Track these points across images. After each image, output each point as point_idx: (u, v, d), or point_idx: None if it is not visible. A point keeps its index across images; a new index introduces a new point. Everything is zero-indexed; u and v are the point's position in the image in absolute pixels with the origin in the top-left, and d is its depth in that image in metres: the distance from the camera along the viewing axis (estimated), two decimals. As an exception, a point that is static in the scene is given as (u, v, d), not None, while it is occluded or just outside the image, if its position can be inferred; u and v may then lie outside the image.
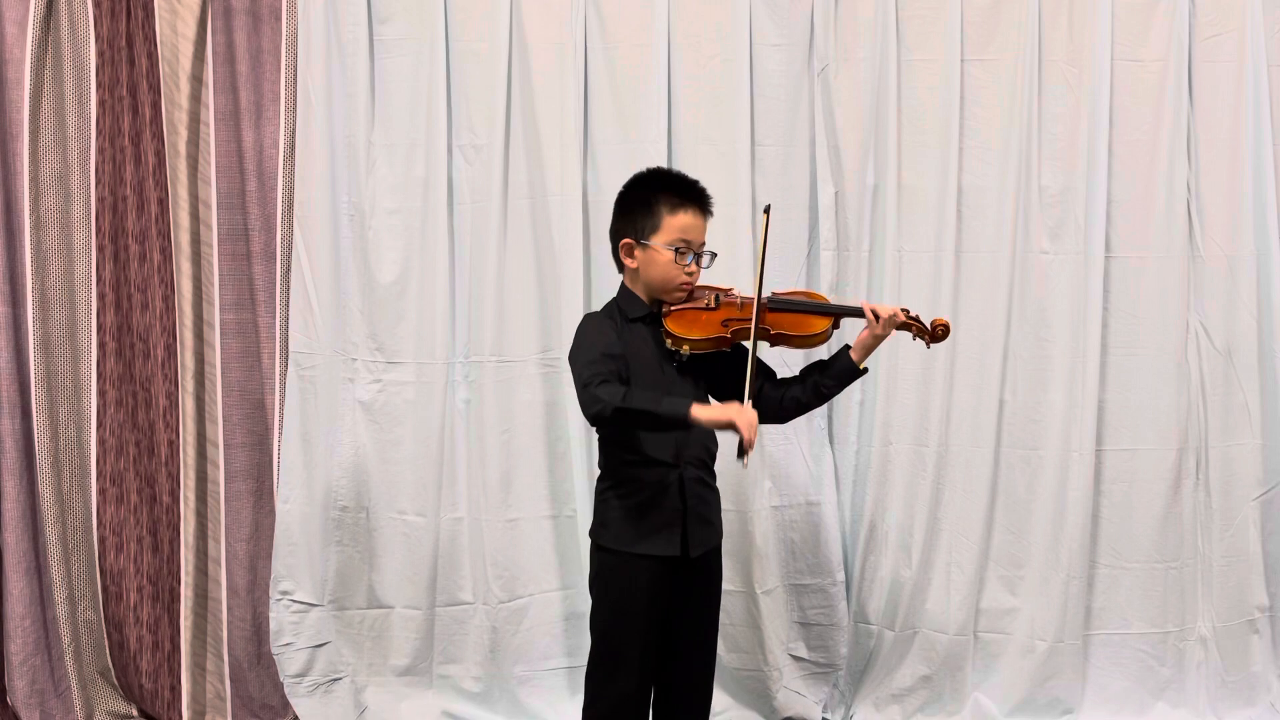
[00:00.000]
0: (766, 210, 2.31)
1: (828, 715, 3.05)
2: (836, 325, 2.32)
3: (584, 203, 2.94)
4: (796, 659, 3.03)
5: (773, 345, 2.30)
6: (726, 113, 2.91)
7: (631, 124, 2.93)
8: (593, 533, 2.30)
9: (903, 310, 2.27)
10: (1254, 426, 2.99)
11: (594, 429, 2.30)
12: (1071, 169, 2.94)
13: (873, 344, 2.29)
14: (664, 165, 2.68)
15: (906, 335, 2.32)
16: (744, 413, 2.04)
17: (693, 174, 2.29)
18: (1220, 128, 2.94)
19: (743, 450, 2.05)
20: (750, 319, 2.19)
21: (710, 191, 2.27)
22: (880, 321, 2.26)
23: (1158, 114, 2.92)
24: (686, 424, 2.05)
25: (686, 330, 2.21)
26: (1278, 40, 2.94)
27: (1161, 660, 3.03)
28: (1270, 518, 3.02)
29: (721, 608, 2.39)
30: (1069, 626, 2.97)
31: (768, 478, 2.98)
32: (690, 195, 2.25)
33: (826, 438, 3.02)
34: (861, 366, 2.31)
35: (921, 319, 2.30)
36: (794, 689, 3.02)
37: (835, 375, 2.32)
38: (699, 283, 2.28)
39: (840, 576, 3.02)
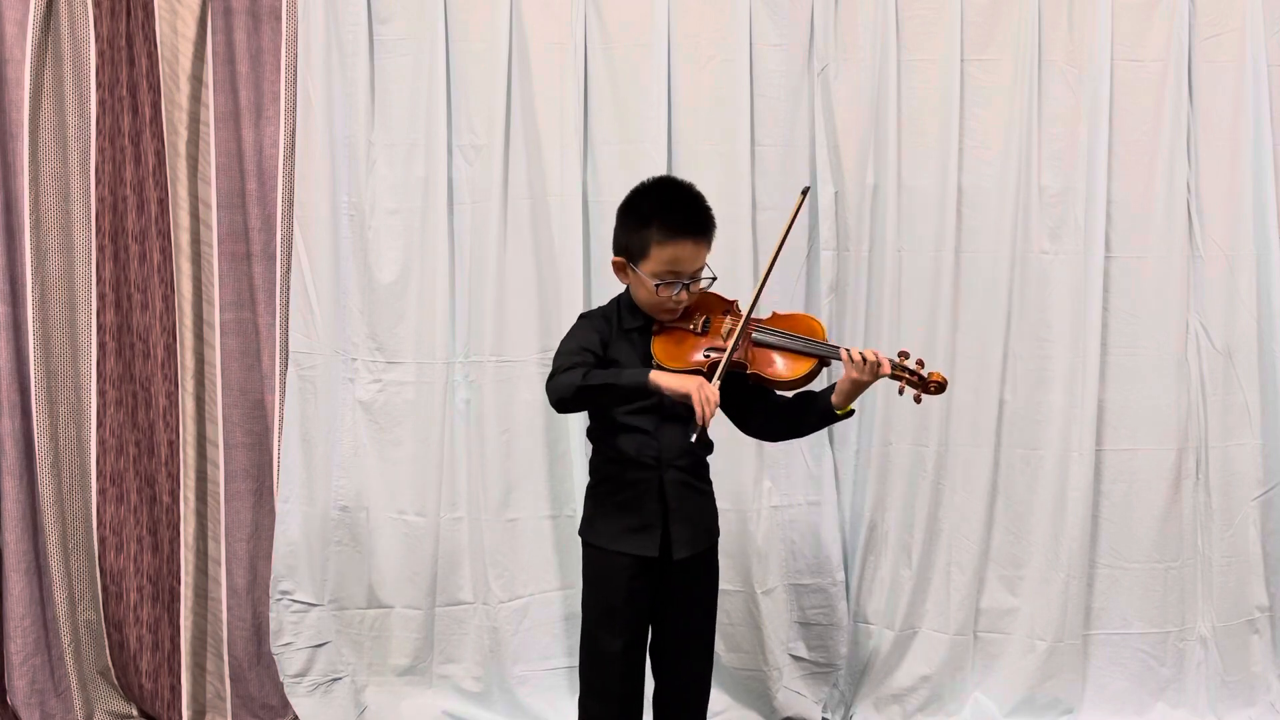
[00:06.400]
0: (804, 191, 2.20)
1: (828, 715, 3.05)
2: (826, 364, 2.18)
3: (584, 203, 2.94)
4: (796, 659, 3.03)
5: (750, 384, 2.20)
6: (726, 113, 2.91)
7: (631, 124, 2.93)
8: (580, 529, 2.32)
9: (899, 356, 2.11)
10: (1254, 426, 2.98)
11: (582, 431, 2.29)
12: (1071, 169, 2.94)
13: (853, 390, 2.11)
14: (668, 172, 2.64)
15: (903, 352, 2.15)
16: (703, 387, 1.97)
17: (693, 174, 2.26)
18: (1220, 128, 2.93)
19: (698, 430, 1.97)
20: (727, 351, 2.09)
21: (710, 192, 2.21)
22: (861, 367, 2.07)
23: (1158, 114, 2.92)
24: (648, 391, 2.01)
25: (668, 357, 2.17)
26: (1278, 40, 2.94)
27: (1161, 660, 3.03)
28: (1270, 518, 3.02)
29: (721, 608, 2.39)
30: (1069, 626, 2.97)
31: (768, 478, 2.98)
32: (685, 227, 2.11)
33: (826, 438, 3.01)
34: (846, 410, 2.14)
35: (919, 370, 2.11)
36: (794, 689, 3.02)
37: (816, 414, 2.20)
38: (708, 290, 2.24)
39: (840, 576, 3.02)
